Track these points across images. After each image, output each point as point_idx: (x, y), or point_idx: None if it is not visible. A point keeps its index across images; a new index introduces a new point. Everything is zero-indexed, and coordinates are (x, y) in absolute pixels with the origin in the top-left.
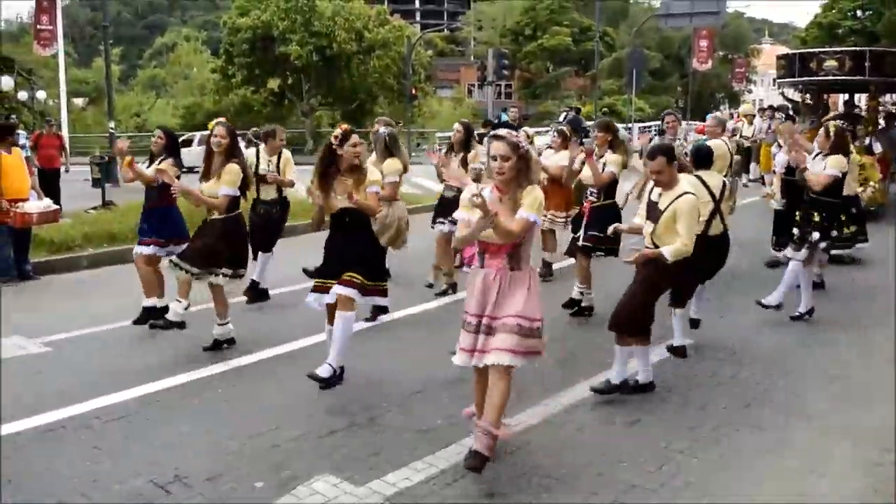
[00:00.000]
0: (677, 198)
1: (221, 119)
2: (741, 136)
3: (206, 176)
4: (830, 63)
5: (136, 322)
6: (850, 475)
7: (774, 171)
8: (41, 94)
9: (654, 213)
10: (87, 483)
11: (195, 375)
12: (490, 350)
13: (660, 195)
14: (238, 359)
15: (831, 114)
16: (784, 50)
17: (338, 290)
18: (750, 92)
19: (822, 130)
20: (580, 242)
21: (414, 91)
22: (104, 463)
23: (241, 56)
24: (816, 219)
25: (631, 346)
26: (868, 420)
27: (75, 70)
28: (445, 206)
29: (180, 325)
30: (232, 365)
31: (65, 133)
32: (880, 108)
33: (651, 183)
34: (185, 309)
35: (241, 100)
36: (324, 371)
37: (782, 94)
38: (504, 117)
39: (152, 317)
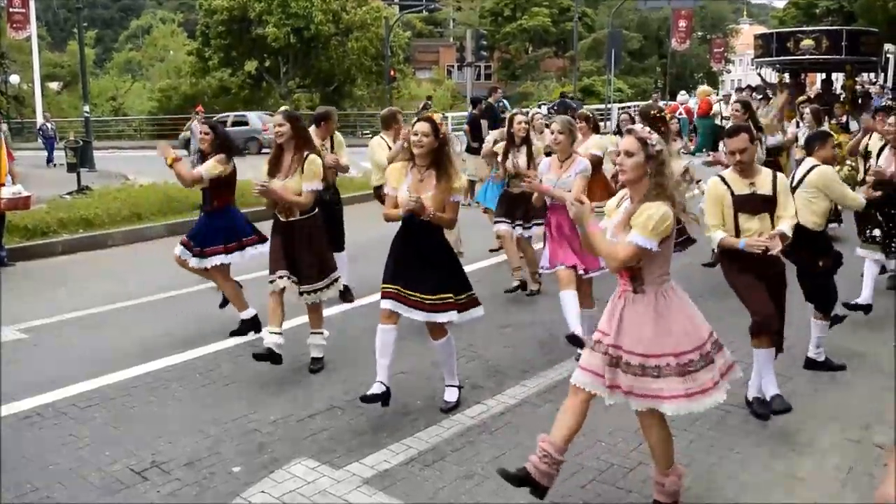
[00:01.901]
0: (774, 180)
1: (285, 107)
2: (722, 118)
3: (273, 172)
4: (807, 42)
5: (236, 333)
6: (831, 453)
7: None
8: (14, 79)
9: (756, 204)
10: (64, 471)
11: (174, 361)
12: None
13: (751, 184)
14: (217, 343)
15: (804, 95)
16: (762, 30)
17: (435, 318)
18: (728, 72)
19: (893, 119)
20: None
21: (393, 73)
22: (82, 450)
23: (217, 38)
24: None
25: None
26: (848, 399)
27: (49, 54)
28: (507, 204)
29: (278, 358)
30: (211, 349)
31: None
32: (857, 87)
33: (709, 183)
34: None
35: (219, 82)
36: (452, 396)
37: (759, 74)
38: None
39: (253, 327)
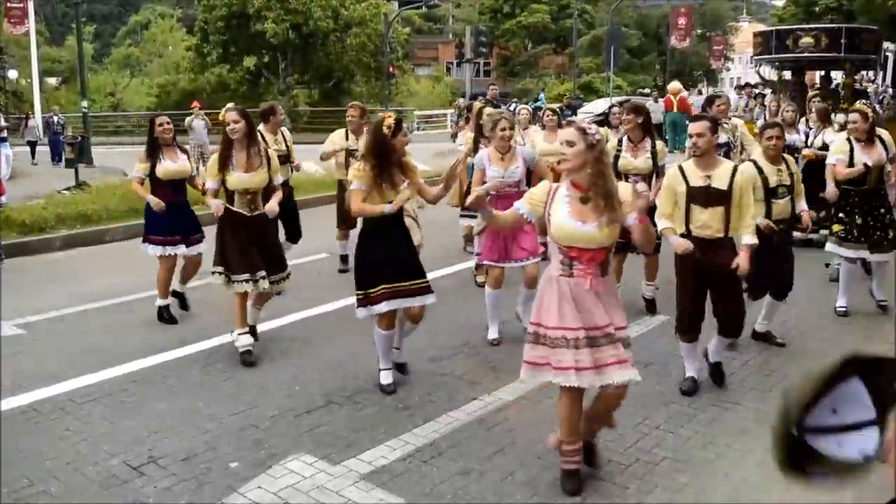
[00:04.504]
0: (734, 172)
1: (231, 104)
2: None
3: (224, 167)
4: (807, 40)
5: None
6: None
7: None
8: (13, 74)
9: (706, 196)
10: (60, 465)
11: (172, 356)
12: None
13: (707, 177)
14: (215, 339)
15: (812, 92)
16: (762, 28)
17: (420, 301)
18: (728, 70)
19: (857, 115)
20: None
21: (392, 69)
22: (79, 445)
23: (216, 34)
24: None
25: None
26: None
27: (48, 49)
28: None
29: (250, 355)
30: (209, 345)
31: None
32: (855, 85)
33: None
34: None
35: (217, 78)
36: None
37: (758, 72)
38: (542, 97)
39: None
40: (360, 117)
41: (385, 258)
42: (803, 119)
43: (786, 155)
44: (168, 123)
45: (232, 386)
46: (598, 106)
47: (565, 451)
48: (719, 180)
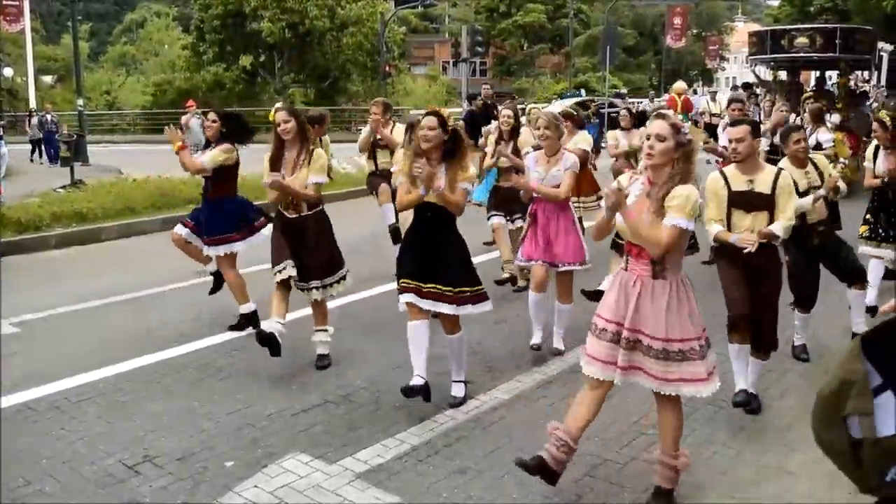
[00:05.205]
0: (777, 177)
1: (280, 103)
2: (710, 115)
3: (275, 167)
4: (802, 40)
5: (234, 328)
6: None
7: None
8: (8, 72)
9: (750, 201)
10: (56, 464)
11: (167, 355)
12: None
13: (750, 182)
14: (210, 338)
15: (806, 93)
16: (757, 27)
17: (431, 305)
18: (723, 69)
19: (876, 125)
20: None
21: (388, 68)
22: (75, 444)
23: (212, 33)
24: None
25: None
26: None
27: (43, 47)
28: (499, 197)
29: (277, 347)
30: (205, 344)
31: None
32: (850, 84)
33: (713, 179)
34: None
35: (213, 77)
36: (459, 391)
37: (754, 71)
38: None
39: (251, 323)
40: (383, 114)
41: (414, 256)
42: (797, 119)
43: (811, 155)
44: (214, 122)
45: (228, 385)
46: (554, 108)
47: (551, 432)
48: (762, 184)
